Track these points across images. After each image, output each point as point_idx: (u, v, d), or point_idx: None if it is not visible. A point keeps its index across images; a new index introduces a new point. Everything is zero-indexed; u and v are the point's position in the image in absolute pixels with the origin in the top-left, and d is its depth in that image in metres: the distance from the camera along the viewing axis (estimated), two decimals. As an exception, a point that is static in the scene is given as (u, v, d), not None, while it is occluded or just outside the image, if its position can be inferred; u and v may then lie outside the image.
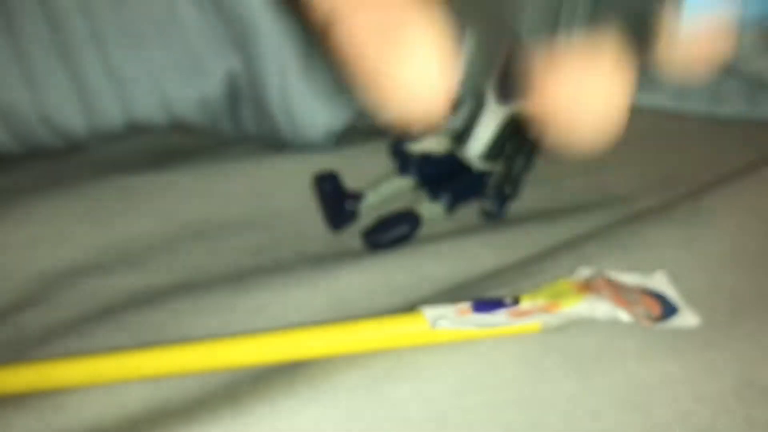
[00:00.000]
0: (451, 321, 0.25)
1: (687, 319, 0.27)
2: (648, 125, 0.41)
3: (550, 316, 0.26)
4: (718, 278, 0.29)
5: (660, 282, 0.28)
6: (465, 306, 0.25)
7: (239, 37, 0.36)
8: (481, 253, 0.32)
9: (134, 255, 0.33)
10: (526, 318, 0.25)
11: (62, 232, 0.34)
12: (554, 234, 0.32)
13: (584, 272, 0.28)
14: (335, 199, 0.34)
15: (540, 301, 0.26)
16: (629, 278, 0.28)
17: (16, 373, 0.26)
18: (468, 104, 0.37)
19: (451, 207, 0.35)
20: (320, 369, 0.25)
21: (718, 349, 0.26)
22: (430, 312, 0.25)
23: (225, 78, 0.38)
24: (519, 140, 0.35)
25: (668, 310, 0.27)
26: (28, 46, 0.36)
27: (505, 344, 0.26)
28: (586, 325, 0.26)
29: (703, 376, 0.26)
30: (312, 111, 0.37)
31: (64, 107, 0.37)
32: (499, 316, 0.25)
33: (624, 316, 0.26)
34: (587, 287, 0.26)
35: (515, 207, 0.36)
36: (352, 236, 0.34)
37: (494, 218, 0.35)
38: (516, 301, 0.26)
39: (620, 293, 0.27)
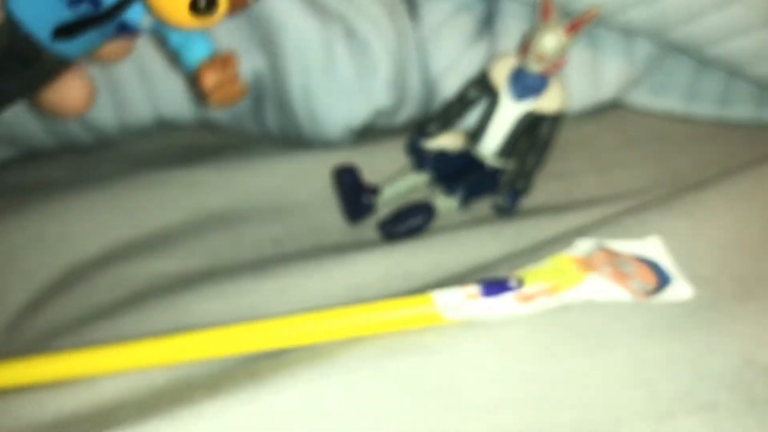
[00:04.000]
0: (461, 311, 0.26)
1: (680, 289, 0.28)
2: (657, 127, 0.42)
3: (552, 300, 0.27)
4: (722, 264, 0.30)
5: (654, 248, 0.29)
6: (473, 290, 0.27)
7: (264, 37, 0.38)
8: (492, 242, 0.33)
9: (161, 244, 0.35)
10: (532, 303, 0.27)
11: (92, 225, 0.35)
12: (564, 225, 0.34)
13: (582, 244, 0.29)
14: (353, 192, 0.36)
15: (543, 282, 0.27)
16: (624, 246, 0.29)
17: (47, 363, 0.26)
18: (482, 105, 0.38)
19: (466, 201, 0.36)
20: (335, 345, 0.27)
21: (720, 330, 0.27)
22: (440, 297, 0.27)
23: (250, 76, 0.39)
24: (532, 137, 0.37)
25: (662, 279, 0.28)
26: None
27: (513, 323, 0.27)
28: (591, 306, 0.27)
29: (704, 355, 0.27)
30: (332, 109, 0.39)
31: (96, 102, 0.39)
32: (507, 301, 0.26)
33: (623, 294, 0.27)
34: (588, 264, 0.27)
35: (527, 201, 0.37)
36: (368, 228, 0.36)
37: (507, 212, 0.36)
38: (520, 282, 0.27)
39: (618, 266, 0.28)
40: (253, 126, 0.42)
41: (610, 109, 0.43)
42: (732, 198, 0.32)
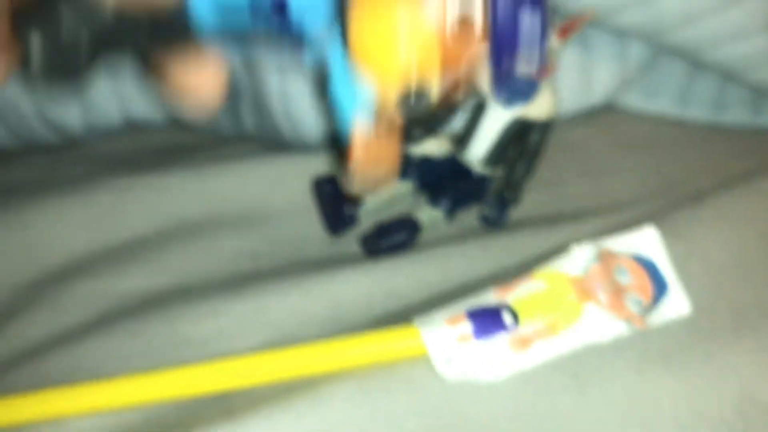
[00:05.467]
0: (454, 363, 0.25)
1: (677, 304, 0.27)
2: (650, 131, 0.41)
3: (551, 345, 0.25)
4: (719, 291, 0.28)
5: (650, 244, 0.27)
6: (464, 328, 0.25)
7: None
8: (479, 258, 0.32)
9: (129, 257, 0.33)
10: (530, 351, 0.25)
11: (55, 236, 0.33)
12: (554, 239, 0.32)
13: (579, 252, 0.27)
14: (334, 204, 0.34)
15: (540, 316, 0.26)
16: (620, 244, 0.27)
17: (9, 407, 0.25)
18: (470, 107, 0.36)
19: (451, 212, 0.35)
20: (315, 380, 0.25)
21: (718, 364, 0.26)
22: (428, 333, 0.25)
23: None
24: (521, 145, 0.35)
25: (659, 286, 0.26)
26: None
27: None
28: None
29: (703, 391, 0.25)
30: (312, 111, 0.37)
31: (61, 103, 0.37)
32: (502, 347, 0.25)
33: (620, 327, 0.26)
34: (584, 288, 0.26)
35: (515, 212, 0.35)
36: (350, 241, 0.34)
37: (495, 224, 0.35)
38: (515, 317, 0.25)
39: (614, 277, 0.26)
40: (230, 126, 0.40)
41: (601, 111, 0.41)
42: (729, 217, 0.31)
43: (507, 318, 0.26)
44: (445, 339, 0.25)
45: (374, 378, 0.25)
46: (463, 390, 0.25)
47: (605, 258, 0.27)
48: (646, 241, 0.28)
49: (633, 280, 0.27)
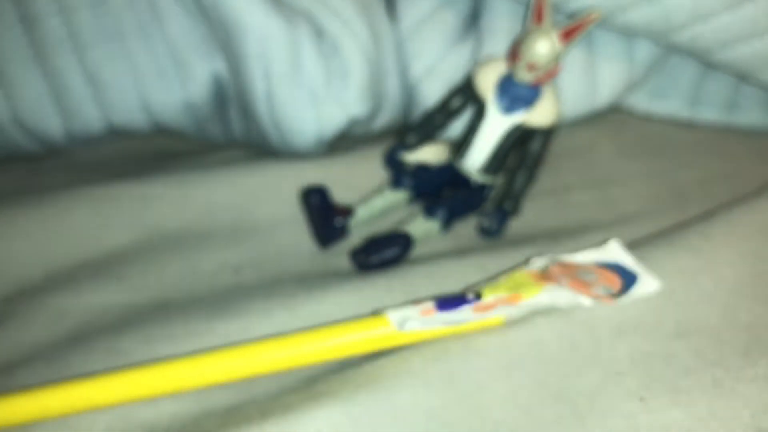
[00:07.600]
0: (418, 321, 0.25)
1: (647, 285, 0.26)
2: (659, 134, 0.39)
3: (513, 308, 0.25)
4: (730, 309, 0.27)
5: (614, 252, 0.27)
6: (429, 305, 0.25)
7: (224, 39, 0.34)
8: (476, 278, 0.30)
9: (107, 270, 0.31)
10: (490, 312, 0.25)
11: (31, 247, 0.32)
12: (556, 257, 0.30)
13: (539, 262, 0.27)
14: (323, 215, 0.32)
15: (502, 293, 0.25)
16: (582, 257, 0.27)
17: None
18: (469, 113, 0.35)
19: (447, 224, 0.33)
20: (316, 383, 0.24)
21: (727, 393, 0.24)
22: (394, 314, 0.25)
23: (211, 81, 0.36)
24: (522, 152, 0.33)
25: (628, 280, 0.26)
26: (1, 46, 0.34)
27: (492, 382, 0.24)
28: (583, 361, 0.24)
29: (709, 423, 0.24)
30: (299, 117, 0.35)
31: (39, 110, 0.35)
32: (464, 312, 0.25)
33: (585, 300, 0.26)
34: (545, 277, 0.25)
35: (515, 224, 0.34)
36: (340, 254, 0.32)
37: (493, 236, 0.33)
38: (478, 295, 0.25)
39: (578, 275, 0.25)
40: (218, 132, 0.38)
41: (607, 114, 0.39)
42: (742, 232, 0.29)
43: (470, 296, 0.25)
44: (408, 312, 0.25)
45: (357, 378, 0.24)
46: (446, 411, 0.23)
47: (565, 265, 0.26)
48: (610, 253, 0.27)
49: (598, 277, 0.26)
